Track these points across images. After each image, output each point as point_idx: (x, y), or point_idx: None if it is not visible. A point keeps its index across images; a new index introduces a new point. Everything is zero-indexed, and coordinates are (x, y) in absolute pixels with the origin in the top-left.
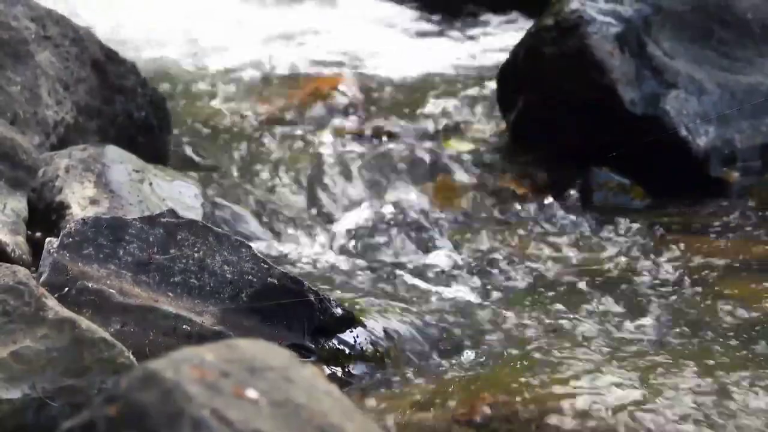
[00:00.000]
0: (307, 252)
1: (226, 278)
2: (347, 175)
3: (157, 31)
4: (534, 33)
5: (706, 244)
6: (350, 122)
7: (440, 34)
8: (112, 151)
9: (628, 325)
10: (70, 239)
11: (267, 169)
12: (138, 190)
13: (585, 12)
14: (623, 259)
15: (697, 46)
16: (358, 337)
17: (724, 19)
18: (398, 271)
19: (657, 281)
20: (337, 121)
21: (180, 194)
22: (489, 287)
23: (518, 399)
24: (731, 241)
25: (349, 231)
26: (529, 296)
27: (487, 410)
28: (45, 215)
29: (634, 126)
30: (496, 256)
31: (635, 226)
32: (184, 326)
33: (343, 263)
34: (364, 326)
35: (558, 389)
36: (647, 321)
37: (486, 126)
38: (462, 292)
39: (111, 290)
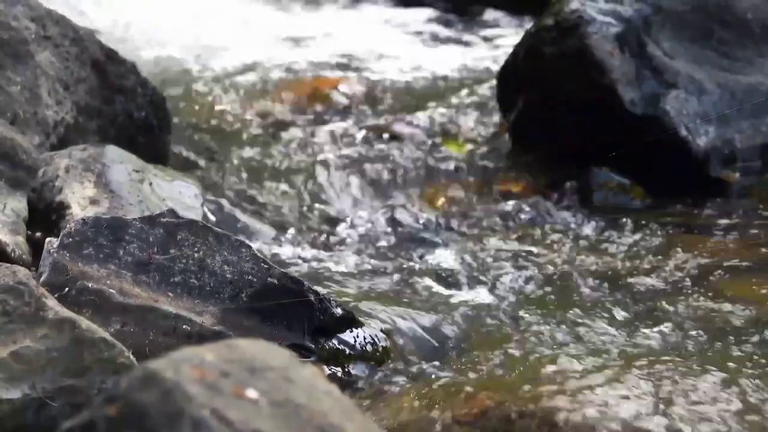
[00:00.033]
0: (307, 252)
1: (226, 278)
2: (348, 175)
3: (163, 31)
4: (534, 33)
5: (707, 245)
6: (350, 123)
7: (440, 34)
8: (112, 151)
9: (629, 324)
10: (70, 239)
11: (267, 170)
12: (138, 190)
13: (585, 12)
14: (623, 259)
15: (697, 46)
16: (358, 337)
17: (724, 19)
18: (398, 272)
19: (657, 281)
20: (337, 122)
21: (180, 194)
22: (489, 287)
23: (518, 399)
24: (731, 241)
25: (349, 231)
26: (529, 296)
27: (487, 411)
28: (45, 215)
29: (634, 126)
30: (496, 256)
31: (635, 226)
32: (184, 326)
33: (343, 263)
34: (364, 326)
35: (558, 389)
36: (647, 321)
37: (486, 126)
38: (462, 292)
39: (111, 290)
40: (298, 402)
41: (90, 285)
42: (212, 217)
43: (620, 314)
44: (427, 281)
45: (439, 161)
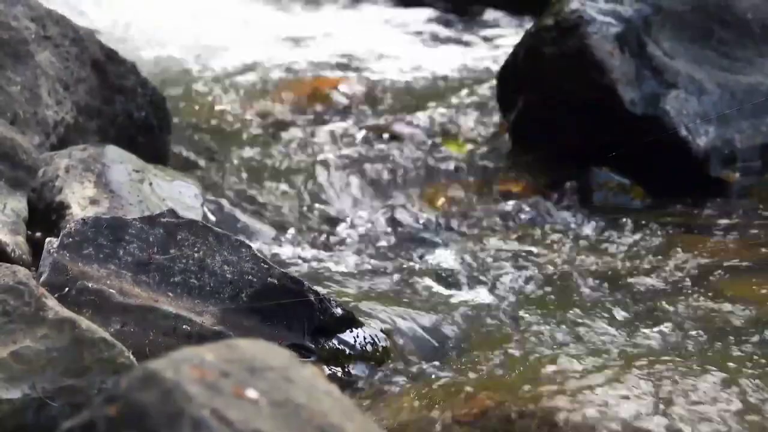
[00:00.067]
0: (307, 252)
1: (226, 278)
2: (348, 175)
3: (163, 31)
4: (534, 33)
5: (707, 245)
6: (350, 123)
7: (440, 34)
8: (112, 151)
9: (629, 324)
10: (70, 239)
11: (267, 170)
12: (138, 190)
13: (585, 12)
14: (623, 259)
15: (697, 46)
16: (358, 337)
17: (724, 19)
18: (398, 272)
19: (657, 281)
20: (337, 122)
21: (180, 194)
22: (489, 287)
23: (518, 399)
24: (731, 241)
25: (349, 231)
26: (529, 296)
27: (487, 411)
28: (45, 215)
29: (634, 126)
30: (496, 256)
31: (635, 226)
32: (184, 326)
33: (343, 263)
34: (364, 326)
35: (558, 389)
36: (647, 321)
37: (486, 126)
38: (462, 292)
39: (111, 290)
40: (298, 402)
41: (90, 285)
42: (212, 217)
43: (620, 314)
44: (427, 281)
45: (439, 161)
